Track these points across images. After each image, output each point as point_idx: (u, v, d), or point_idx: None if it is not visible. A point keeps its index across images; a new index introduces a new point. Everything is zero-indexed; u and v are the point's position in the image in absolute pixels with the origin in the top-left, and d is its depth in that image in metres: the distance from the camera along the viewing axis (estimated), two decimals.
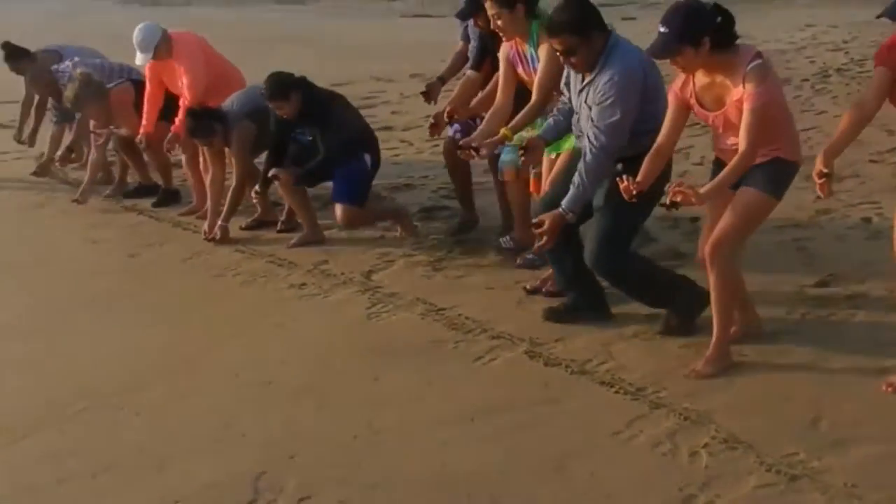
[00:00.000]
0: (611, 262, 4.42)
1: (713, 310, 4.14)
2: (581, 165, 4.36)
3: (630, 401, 3.96)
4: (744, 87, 3.82)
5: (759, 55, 3.89)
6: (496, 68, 5.42)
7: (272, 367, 4.51)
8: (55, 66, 7.69)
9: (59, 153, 8.07)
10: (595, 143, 4.31)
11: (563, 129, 4.66)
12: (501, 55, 5.12)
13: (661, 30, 3.90)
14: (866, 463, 3.39)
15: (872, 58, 3.86)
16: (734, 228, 4.01)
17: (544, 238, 4.40)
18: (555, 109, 4.74)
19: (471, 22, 5.77)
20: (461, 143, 5.04)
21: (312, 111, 5.94)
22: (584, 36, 4.26)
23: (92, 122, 7.40)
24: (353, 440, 3.81)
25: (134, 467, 3.72)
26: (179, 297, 5.59)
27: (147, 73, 6.91)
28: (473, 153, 4.90)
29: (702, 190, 3.84)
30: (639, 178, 4.05)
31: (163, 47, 6.66)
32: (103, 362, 4.73)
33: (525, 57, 5.01)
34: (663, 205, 3.91)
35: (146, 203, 7.38)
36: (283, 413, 4.09)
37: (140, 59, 6.76)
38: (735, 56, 3.89)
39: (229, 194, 6.36)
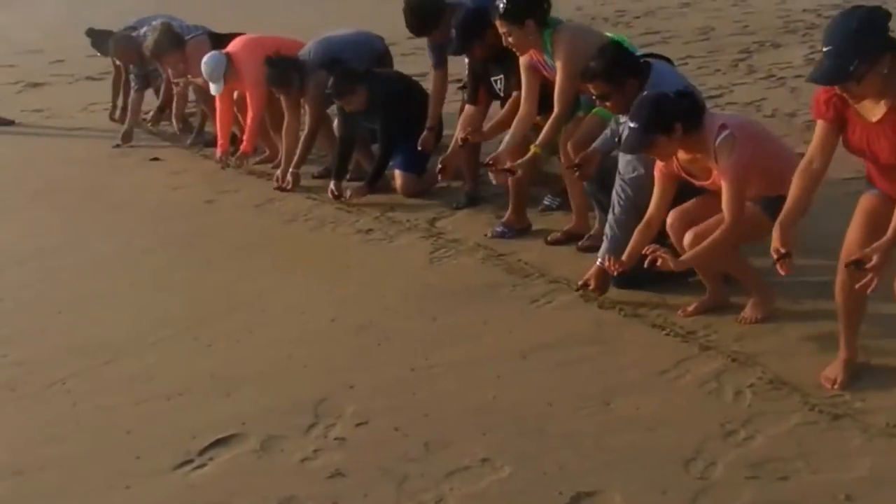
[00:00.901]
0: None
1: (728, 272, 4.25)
2: (611, 217, 4.47)
3: (680, 343, 4.05)
4: (716, 161, 3.89)
5: (723, 127, 3.92)
6: (491, 96, 5.54)
7: (335, 306, 4.72)
8: (135, 34, 8.00)
9: (150, 113, 8.41)
10: (622, 195, 4.42)
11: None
12: (523, 64, 5.07)
13: (631, 125, 3.97)
14: None
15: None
16: (705, 250, 3.95)
17: (597, 289, 4.53)
18: (612, 120, 4.72)
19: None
20: (490, 161, 5.09)
21: (376, 103, 6.03)
22: (617, 84, 4.33)
23: (170, 72, 7.68)
24: (409, 373, 4.00)
25: (204, 392, 3.99)
26: (252, 240, 5.84)
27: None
28: (508, 174, 4.99)
29: (682, 258, 3.92)
30: (626, 254, 4.18)
31: (230, 73, 6.83)
32: (180, 297, 5.03)
33: (545, 65, 5.02)
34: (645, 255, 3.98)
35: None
36: (344, 347, 4.30)
37: (214, 90, 6.93)
38: (703, 132, 3.94)
39: (301, 142, 6.55)
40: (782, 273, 3.48)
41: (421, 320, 4.50)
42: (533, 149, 4.95)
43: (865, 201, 3.54)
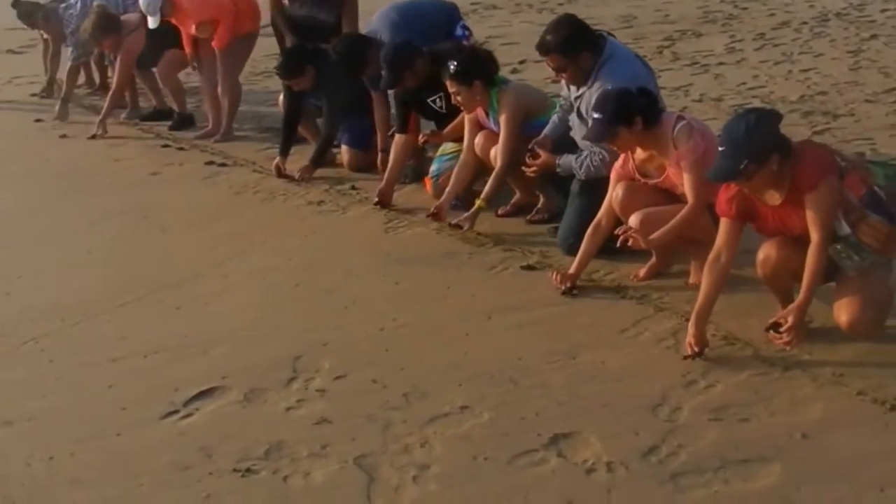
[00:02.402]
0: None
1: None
2: (586, 161, 4.64)
3: (636, 304, 4.27)
4: (676, 149, 4.12)
5: (680, 118, 4.18)
6: (426, 117, 5.66)
7: (299, 272, 4.81)
8: (64, 5, 7.89)
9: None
10: (597, 158, 4.60)
11: (567, 126, 4.87)
12: (467, 118, 5.25)
13: (596, 116, 4.19)
14: (853, 357, 3.70)
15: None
16: (672, 229, 4.12)
17: (534, 167, 4.79)
18: (557, 106, 4.96)
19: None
20: (431, 212, 5.23)
21: (324, 83, 6.10)
22: (573, 56, 4.51)
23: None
24: (379, 332, 4.13)
25: (180, 350, 4.05)
26: (204, 210, 5.87)
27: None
28: (458, 229, 5.11)
29: (651, 237, 4.12)
30: (575, 263, 4.40)
31: (166, 6, 6.84)
32: (141, 264, 5.06)
33: (489, 122, 5.20)
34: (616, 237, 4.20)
35: (162, 126, 7.62)
36: (312, 309, 4.40)
37: (152, 23, 6.95)
38: (660, 127, 4.17)
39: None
40: (688, 354, 3.73)
41: (385, 284, 4.63)
42: (478, 202, 5.11)
43: None
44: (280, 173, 6.27)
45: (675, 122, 4.17)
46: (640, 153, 4.30)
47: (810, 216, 3.56)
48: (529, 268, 4.71)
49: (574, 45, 4.53)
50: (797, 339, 3.60)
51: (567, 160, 4.73)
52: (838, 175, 3.58)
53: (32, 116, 8.17)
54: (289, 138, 6.41)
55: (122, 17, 7.40)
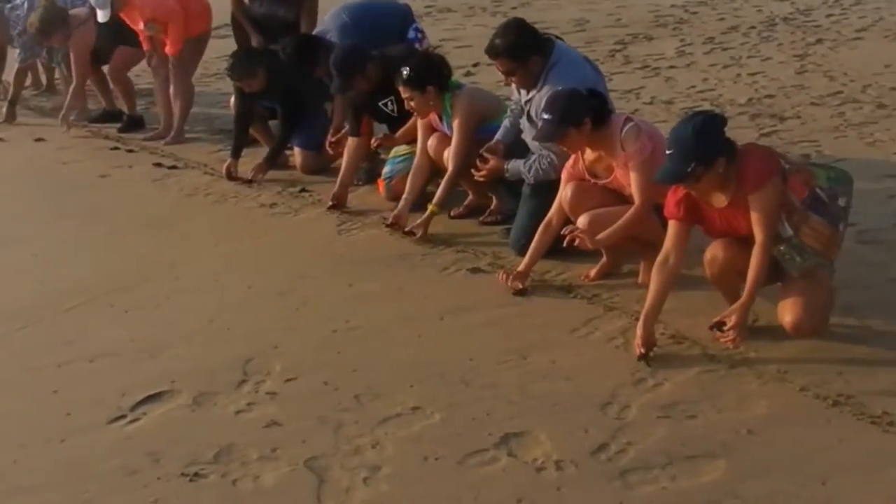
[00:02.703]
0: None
1: None
2: (535, 165, 4.66)
3: (587, 304, 4.31)
4: (623, 150, 4.18)
5: (629, 119, 4.24)
6: (379, 121, 5.67)
7: (251, 274, 4.79)
8: (10, 6, 7.77)
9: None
10: (545, 161, 4.62)
11: (518, 130, 4.90)
12: (420, 123, 5.27)
13: (545, 116, 4.23)
14: (797, 354, 3.76)
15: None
16: (619, 230, 4.16)
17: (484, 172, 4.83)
18: (508, 111, 4.99)
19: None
20: (390, 222, 5.21)
21: (276, 85, 6.06)
22: (521, 60, 4.55)
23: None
24: (332, 333, 4.12)
25: (128, 354, 4.01)
26: (155, 213, 5.82)
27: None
28: (411, 236, 5.10)
29: (597, 237, 4.16)
30: (526, 260, 4.44)
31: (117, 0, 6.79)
32: (89, 266, 5.01)
33: (443, 126, 5.22)
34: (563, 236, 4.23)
35: (111, 129, 7.53)
36: (265, 311, 4.38)
37: (102, 17, 6.88)
38: (609, 128, 4.22)
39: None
40: (637, 356, 3.76)
41: (337, 286, 4.62)
42: (430, 208, 5.12)
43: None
44: (231, 176, 6.23)
45: (624, 124, 4.21)
46: (589, 154, 4.34)
47: (754, 217, 3.62)
48: (476, 270, 4.72)
49: (522, 49, 4.57)
50: (740, 337, 3.66)
51: (515, 165, 4.76)
52: (781, 177, 3.65)
53: None
54: (240, 140, 6.38)
55: (71, 12, 7.31)
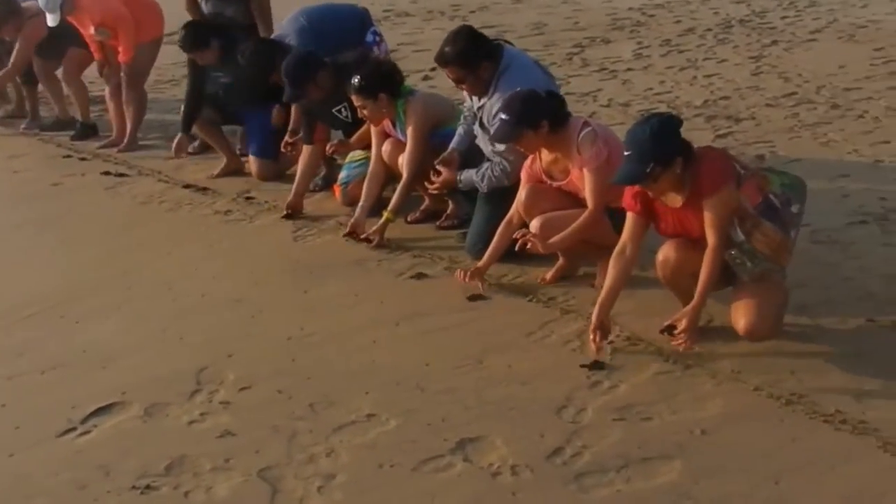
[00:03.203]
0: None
1: None
2: (487, 173, 4.66)
3: (543, 307, 4.30)
4: (579, 154, 4.19)
5: (586, 124, 4.24)
6: (333, 125, 5.62)
7: (204, 282, 4.74)
8: None
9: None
10: (498, 168, 4.62)
11: (473, 136, 4.88)
12: (374, 130, 5.25)
13: (502, 117, 4.22)
14: (751, 354, 3.78)
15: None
16: (571, 234, 4.19)
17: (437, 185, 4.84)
18: (461, 117, 4.98)
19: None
20: (348, 231, 5.15)
21: (231, 56, 5.99)
22: (471, 67, 4.55)
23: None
24: (286, 341, 4.09)
25: (79, 365, 3.96)
26: (108, 221, 5.76)
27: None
28: (367, 243, 5.07)
29: (550, 241, 4.17)
30: (485, 258, 4.44)
31: (67, 2, 6.71)
32: (41, 277, 4.93)
33: (396, 133, 5.21)
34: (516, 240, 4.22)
35: (64, 137, 7.44)
36: (218, 320, 4.34)
37: (51, 21, 6.82)
38: (566, 131, 4.23)
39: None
40: (592, 347, 3.81)
41: (293, 293, 4.59)
42: (385, 214, 5.10)
43: None
44: (181, 150, 6.20)
45: (581, 128, 4.21)
46: (546, 155, 4.35)
47: (708, 221, 3.65)
48: (421, 276, 4.66)
49: (471, 55, 4.56)
50: (691, 340, 3.67)
51: (468, 175, 4.75)
52: (735, 182, 3.67)
53: None
54: (192, 113, 6.25)
55: (24, 4, 7.20)
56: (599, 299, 3.87)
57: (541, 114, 4.17)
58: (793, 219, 3.73)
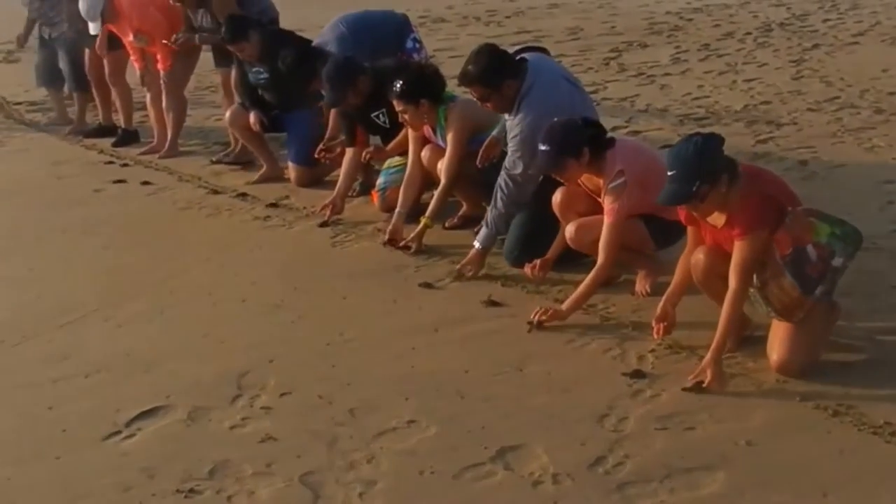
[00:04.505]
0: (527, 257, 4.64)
1: None
2: (492, 211, 4.67)
3: (582, 315, 4.26)
4: (603, 201, 4.17)
5: (620, 173, 4.16)
6: (371, 132, 5.65)
7: (244, 287, 4.76)
8: None
9: None
10: (505, 190, 4.62)
11: None
12: (411, 135, 5.26)
13: (543, 148, 4.18)
14: None
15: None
16: (581, 296, 4.18)
17: (473, 273, 4.74)
18: (501, 120, 4.93)
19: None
20: (387, 240, 5.16)
21: (271, 53, 6.03)
22: (494, 86, 4.53)
23: None
24: (326, 347, 4.09)
25: (123, 369, 3.99)
26: (149, 226, 5.81)
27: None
28: (406, 250, 5.07)
29: (563, 307, 4.17)
30: (550, 253, 4.48)
31: (108, 10, 6.79)
32: (83, 281, 4.98)
33: (436, 139, 5.23)
34: (530, 323, 4.18)
35: (106, 143, 7.53)
36: (259, 325, 4.35)
37: (93, 29, 6.94)
38: (604, 166, 4.18)
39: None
40: (655, 336, 3.90)
41: (332, 299, 4.60)
42: (423, 221, 5.09)
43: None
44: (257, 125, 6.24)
45: (615, 177, 4.14)
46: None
47: (733, 261, 3.59)
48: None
49: (495, 74, 4.53)
50: (721, 386, 3.58)
51: (484, 233, 4.72)
52: (772, 228, 3.56)
53: None
54: (254, 97, 6.29)
55: None
56: (667, 291, 3.91)
57: (582, 142, 4.13)
58: (828, 274, 3.59)
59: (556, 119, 4.27)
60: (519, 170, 4.59)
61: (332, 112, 5.97)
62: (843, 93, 7.71)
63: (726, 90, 8.08)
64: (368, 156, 5.67)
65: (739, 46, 9.62)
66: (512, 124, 4.60)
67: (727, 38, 9.96)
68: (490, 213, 4.72)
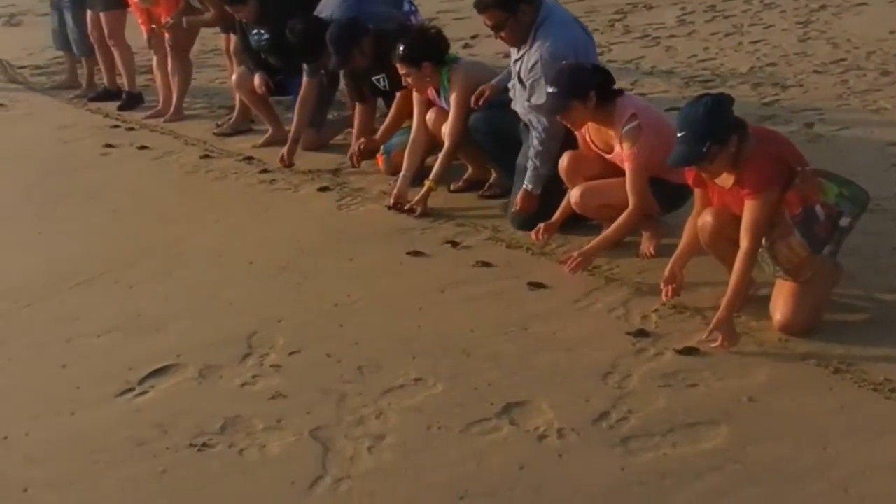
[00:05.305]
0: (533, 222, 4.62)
1: None
2: (531, 151, 4.67)
3: (587, 276, 4.30)
4: (621, 146, 4.17)
5: (633, 116, 4.16)
6: (375, 94, 5.69)
7: (252, 249, 4.80)
8: None
9: None
10: (538, 126, 4.60)
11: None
12: (416, 97, 5.26)
13: (550, 90, 4.18)
14: None
15: None
16: (627, 221, 4.20)
17: (523, 210, 4.74)
18: (505, 71, 4.98)
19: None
20: (392, 203, 5.16)
21: (269, 12, 6.03)
22: (511, 11, 4.51)
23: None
24: (333, 307, 4.14)
25: (134, 329, 4.04)
26: (156, 190, 5.85)
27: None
28: (410, 213, 5.08)
29: (588, 248, 4.19)
30: (556, 215, 4.45)
31: None
32: (92, 244, 5.02)
33: (440, 101, 5.23)
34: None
35: (111, 107, 7.54)
36: (266, 286, 4.40)
37: None
38: (613, 114, 4.18)
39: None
40: (663, 298, 3.92)
41: (338, 261, 4.64)
42: (427, 183, 5.11)
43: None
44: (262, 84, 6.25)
45: (627, 120, 4.16)
46: (591, 123, 4.33)
47: (744, 222, 3.61)
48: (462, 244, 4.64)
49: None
50: (728, 342, 3.62)
51: (529, 175, 4.70)
52: (782, 186, 3.59)
53: None
54: (257, 60, 6.29)
55: None
56: (675, 253, 3.93)
57: (589, 86, 4.14)
58: (835, 234, 3.63)
59: (565, 62, 4.29)
60: (545, 122, 4.58)
61: (359, 108, 5.91)
62: (849, 55, 7.69)
63: (732, 52, 8.06)
64: (358, 153, 5.68)
65: (746, 7, 9.57)
66: (529, 53, 4.58)
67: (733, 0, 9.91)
68: (530, 154, 4.69)
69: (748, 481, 2.92)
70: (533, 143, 4.68)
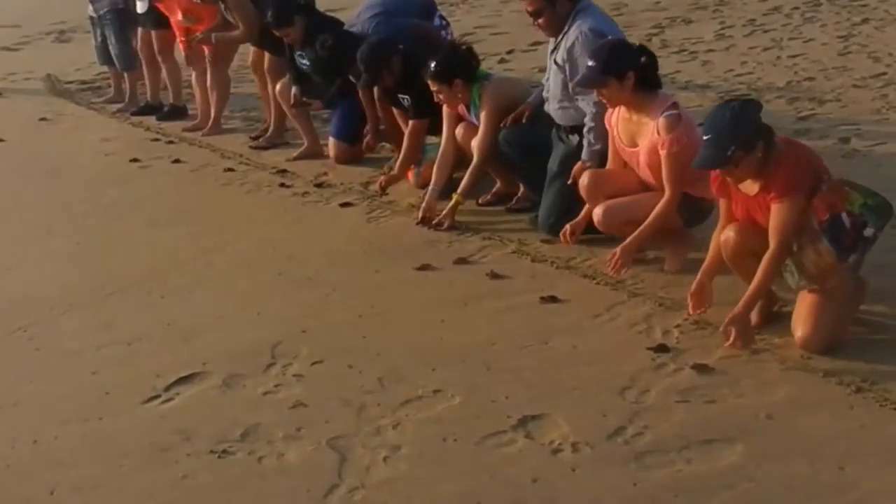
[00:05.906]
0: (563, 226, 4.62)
1: None
2: (585, 128, 4.69)
3: (610, 290, 4.32)
4: (658, 134, 4.15)
5: (675, 105, 4.17)
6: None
7: (281, 261, 4.89)
8: None
9: None
10: (593, 106, 4.59)
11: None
12: (446, 112, 5.31)
13: (589, 63, 4.20)
14: None
15: None
16: (663, 211, 4.18)
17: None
18: (538, 90, 5.06)
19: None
20: (423, 215, 5.21)
21: (312, 37, 6.09)
22: (549, 0, 4.58)
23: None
24: (357, 319, 4.21)
25: (163, 337, 4.15)
26: (191, 203, 5.97)
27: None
28: (437, 228, 5.13)
29: (627, 243, 4.18)
30: (581, 216, 4.46)
31: None
32: (127, 255, 5.16)
33: (470, 117, 5.28)
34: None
35: (151, 120, 7.70)
36: (293, 298, 4.48)
37: (140, 7, 7.21)
38: (654, 101, 4.18)
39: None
40: (690, 311, 3.91)
41: (365, 273, 4.71)
42: (455, 197, 5.17)
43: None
44: (297, 102, 6.36)
45: (668, 108, 4.16)
46: (623, 112, 4.31)
47: (772, 224, 3.61)
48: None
49: None
50: (741, 341, 3.64)
51: (586, 151, 4.70)
52: (809, 193, 3.58)
53: (36, 114, 8.23)
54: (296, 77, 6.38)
55: None
56: (703, 267, 3.90)
57: (629, 65, 4.13)
58: (860, 243, 3.61)
59: (609, 38, 4.32)
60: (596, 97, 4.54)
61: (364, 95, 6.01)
62: (889, 69, 7.60)
63: (770, 66, 8.01)
64: (384, 183, 5.71)
65: (786, 22, 9.50)
66: (567, 36, 4.64)
67: (773, 13, 9.84)
68: (584, 131, 4.70)
69: (762, 500, 2.92)
70: (586, 119, 4.68)
